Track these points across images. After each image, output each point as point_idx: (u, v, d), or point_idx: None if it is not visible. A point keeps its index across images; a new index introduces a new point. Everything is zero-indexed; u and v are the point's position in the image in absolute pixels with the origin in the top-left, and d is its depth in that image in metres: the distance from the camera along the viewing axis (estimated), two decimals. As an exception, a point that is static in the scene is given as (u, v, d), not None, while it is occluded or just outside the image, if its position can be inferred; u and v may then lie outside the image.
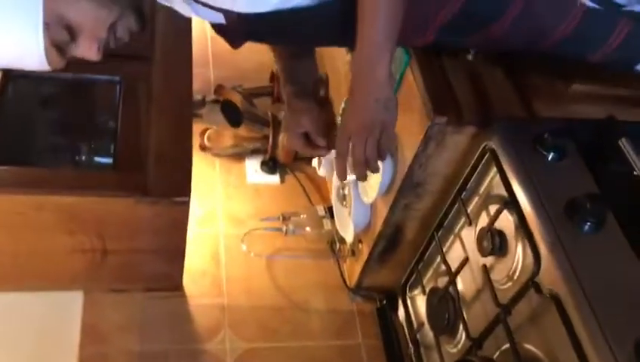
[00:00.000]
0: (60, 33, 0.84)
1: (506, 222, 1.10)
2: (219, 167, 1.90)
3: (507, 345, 1.05)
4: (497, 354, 1.11)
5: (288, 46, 1.15)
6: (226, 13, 0.94)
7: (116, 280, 1.49)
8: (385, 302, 1.63)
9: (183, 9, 0.96)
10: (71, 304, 1.48)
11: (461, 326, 1.24)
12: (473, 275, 1.23)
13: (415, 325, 1.48)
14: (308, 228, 1.64)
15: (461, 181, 1.21)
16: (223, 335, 1.50)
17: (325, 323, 1.58)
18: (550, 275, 0.95)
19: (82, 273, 1.44)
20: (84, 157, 1.53)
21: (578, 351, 0.88)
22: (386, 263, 1.54)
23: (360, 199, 1.43)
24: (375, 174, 1.34)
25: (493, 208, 1.14)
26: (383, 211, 1.39)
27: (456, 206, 1.25)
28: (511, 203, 1.05)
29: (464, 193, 1.22)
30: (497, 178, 1.14)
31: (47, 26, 0.82)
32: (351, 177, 1.36)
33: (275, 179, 1.87)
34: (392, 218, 1.38)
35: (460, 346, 1.26)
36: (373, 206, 1.45)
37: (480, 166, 1.16)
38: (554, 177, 1.04)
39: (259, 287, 1.61)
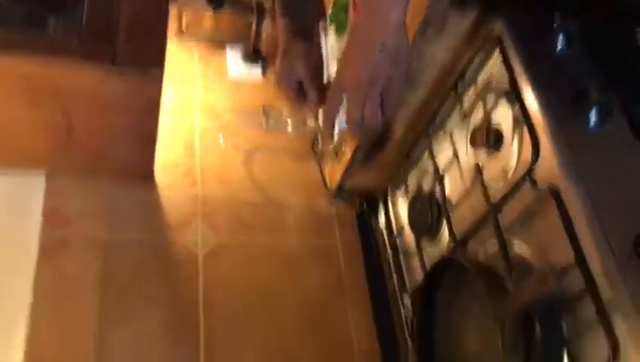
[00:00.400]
0: None
1: (504, 116, 1.03)
2: (197, 58, 1.78)
3: (493, 249, 1.01)
4: (482, 256, 1.06)
5: None
6: None
7: (82, 163, 1.39)
8: (365, 206, 1.57)
9: None
10: (32, 186, 1.39)
11: (444, 227, 1.19)
12: (462, 176, 1.17)
13: (395, 230, 1.43)
14: (289, 121, 1.55)
15: (459, 70, 1.12)
16: (195, 228, 1.43)
17: (302, 222, 1.52)
18: (550, 168, 0.88)
19: (45, 153, 1.34)
20: (51, 28, 1.39)
21: (576, 247, 0.82)
22: (370, 164, 1.46)
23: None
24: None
25: (490, 100, 1.06)
26: (371, 105, 1.30)
27: (450, 97, 1.17)
28: (512, 92, 0.97)
29: (460, 83, 1.14)
30: (497, 67, 1.05)
31: None
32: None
33: (257, 72, 1.76)
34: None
35: (442, 247, 1.21)
36: (360, 100, 1.36)
37: (481, 52, 1.07)
38: (561, 67, 0.96)
39: (234, 180, 1.53)
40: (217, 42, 1.76)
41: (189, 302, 1.33)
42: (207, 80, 1.73)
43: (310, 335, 1.37)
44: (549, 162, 0.88)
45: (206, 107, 1.67)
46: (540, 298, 0.81)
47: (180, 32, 1.71)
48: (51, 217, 1.36)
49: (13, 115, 1.25)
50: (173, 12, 1.62)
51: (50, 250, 1.31)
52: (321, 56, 0.96)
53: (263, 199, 1.53)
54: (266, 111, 1.58)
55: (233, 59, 1.78)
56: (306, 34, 0.95)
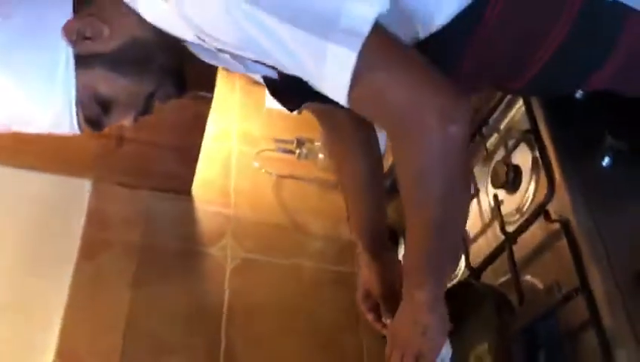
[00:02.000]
0: (93, 109, 0.79)
1: (523, 157, 1.12)
2: (239, 90, 1.91)
3: (506, 277, 1.08)
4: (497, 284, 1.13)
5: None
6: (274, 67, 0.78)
7: (127, 173, 1.51)
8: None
9: (234, 65, 0.82)
10: (79, 190, 1.50)
11: (462, 259, 1.26)
12: (480, 212, 1.25)
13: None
14: (321, 155, 1.66)
15: (485, 114, 1.22)
16: (225, 243, 1.52)
17: (323, 248, 1.61)
18: (562, 202, 0.97)
19: (95, 159, 1.45)
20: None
21: (582, 275, 0.89)
22: (392, 199, 1.55)
23: (378, 129, 1.44)
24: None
25: (511, 143, 1.15)
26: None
27: (475, 139, 1.26)
28: (532, 132, 1.06)
29: (485, 128, 1.24)
30: (521, 113, 1.15)
31: (80, 104, 0.78)
32: None
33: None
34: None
35: (457, 278, 1.28)
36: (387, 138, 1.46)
37: (506, 99, 1.17)
38: (579, 113, 1.05)
39: (265, 204, 1.63)
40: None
41: (214, 308, 1.41)
42: (246, 109, 1.86)
43: (323, 354, 1.43)
44: (562, 196, 0.96)
45: (244, 134, 1.78)
46: (544, 312, 0.87)
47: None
48: (94, 220, 1.46)
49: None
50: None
51: (89, 250, 1.41)
52: (395, 269, 1.05)
53: (289, 223, 1.63)
54: (299, 142, 1.70)
55: (272, 92, 1.90)
56: (380, 252, 1.05)
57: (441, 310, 0.87)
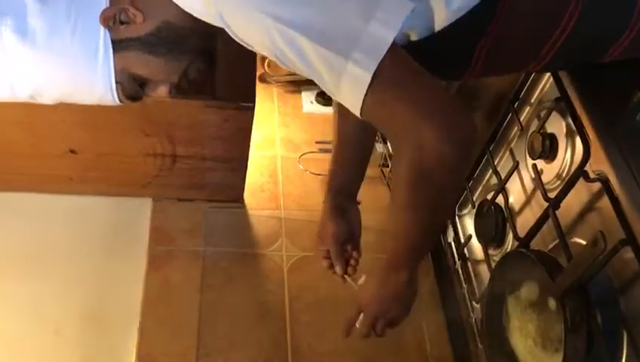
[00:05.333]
0: (132, 87, 0.85)
1: (557, 125, 1.15)
2: (276, 99, 1.99)
3: (555, 242, 1.11)
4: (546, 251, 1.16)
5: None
6: None
7: (182, 188, 1.60)
8: (433, 223, 1.70)
9: None
10: (141, 209, 1.60)
11: (509, 233, 1.30)
12: (522, 184, 1.29)
13: (462, 240, 1.55)
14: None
15: (515, 89, 1.26)
16: (280, 243, 1.60)
17: (375, 239, 1.65)
18: (599, 161, 1.00)
19: (153, 178, 1.55)
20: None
21: (626, 229, 0.92)
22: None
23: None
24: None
25: (544, 113, 1.19)
26: (436, 127, 1.45)
27: (509, 116, 1.30)
28: (563, 100, 1.10)
29: (517, 102, 1.28)
30: (550, 83, 1.19)
31: (119, 85, 0.83)
32: None
33: (329, 110, 1.95)
34: (445, 133, 1.44)
35: (507, 250, 1.32)
36: (426, 124, 1.51)
37: (532, 74, 1.21)
38: (607, 75, 1.08)
39: (313, 203, 1.70)
40: (293, 85, 1.98)
41: (277, 305, 1.49)
42: (285, 117, 1.94)
43: (386, 341, 1.48)
44: (598, 155, 1.00)
45: (286, 140, 1.87)
46: (593, 265, 0.91)
47: (263, 75, 1.94)
48: (157, 234, 1.56)
49: (129, 143, 1.47)
50: (258, 58, 1.84)
51: (157, 262, 1.51)
52: (353, 229, 1.19)
53: (339, 219, 1.69)
54: (339, 141, 1.76)
55: (307, 98, 1.98)
56: (343, 210, 1.17)
57: (415, 284, 1.00)
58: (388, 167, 1.74)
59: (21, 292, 1.43)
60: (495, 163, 1.38)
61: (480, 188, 1.49)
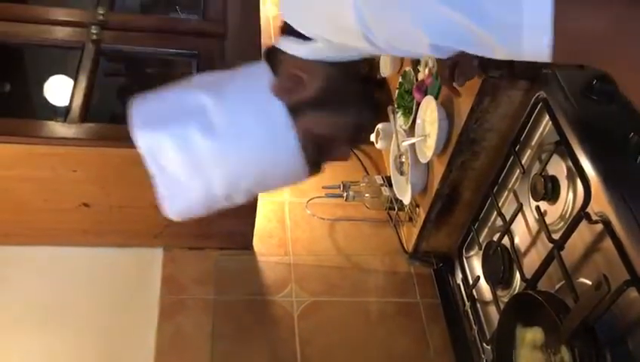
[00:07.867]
0: (313, 152, 0.84)
1: (558, 167, 1.18)
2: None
3: (561, 283, 1.13)
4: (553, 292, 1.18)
5: None
6: None
7: (193, 237, 1.63)
8: (442, 265, 1.71)
9: None
10: (152, 259, 1.63)
11: (516, 275, 1.32)
12: (527, 224, 1.31)
13: (471, 281, 1.56)
14: (367, 195, 1.75)
15: (515, 133, 1.29)
16: (290, 289, 1.62)
17: (384, 282, 1.68)
18: (600, 203, 1.03)
19: (163, 228, 1.58)
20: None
21: (630, 269, 0.94)
22: (443, 226, 1.62)
23: (417, 160, 1.53)
24: (431, 135, 1.45)
25: (545, 156, 1.22)
26: (439, 171, 1.48)
27: (511, 159, 1.34)
28: (562, 143, 1.13)
29: (518, 145, 1.31)
30: (549, 127, 1.22)
31: (303, 148, 0.83)
32: (409, 141, 1.47)
33: (335, 154, 1.99)
34: (449, 177, 1.47)
35: (515, 291, 1.34)
36: (430, 167, 1.55)
37: (533, 116, 1.25)
38: (603, 119, 1.12)
39: (321, 248, 1.73)
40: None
41: (288, 351, 1.49)
42: (292, 163, 1.98)
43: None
44: (599, 197, 1.02)
45: (292, 186, 1.89)
46: (598, 306, 0.92)
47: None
48: (169, 283, 1.58)
49: (141, 196, 1.50)
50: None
51: (168, 311, 1.53)
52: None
53: (347, 263, 1.71)
54: (345, 186, 1.79)
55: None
56: None
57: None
58: (394, 210, 1.77)
59: (35, 345, 1.44)
60: (499, 205, 1.41)
61: (486, 230, 1.51)
